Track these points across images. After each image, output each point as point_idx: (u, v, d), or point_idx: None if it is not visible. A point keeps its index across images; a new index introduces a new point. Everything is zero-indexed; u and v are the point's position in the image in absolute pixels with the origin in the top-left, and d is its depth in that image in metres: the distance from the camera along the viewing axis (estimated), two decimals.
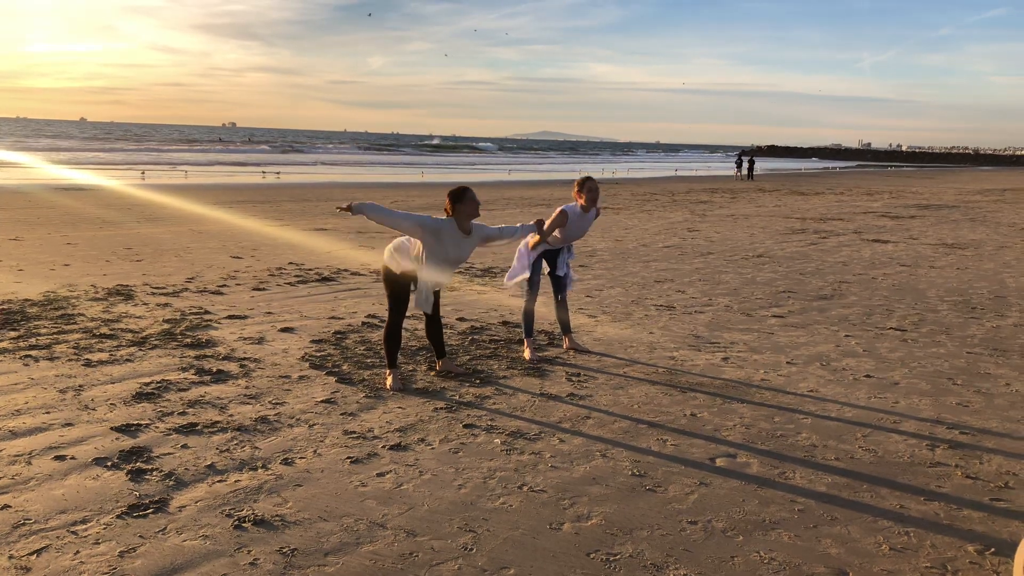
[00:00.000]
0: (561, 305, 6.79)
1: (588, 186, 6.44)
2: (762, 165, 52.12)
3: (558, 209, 6.40)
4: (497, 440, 4.64)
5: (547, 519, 3.66)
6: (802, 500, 3.91)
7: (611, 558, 3.31)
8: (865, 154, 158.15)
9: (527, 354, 6.44)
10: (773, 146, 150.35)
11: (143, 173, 32.90)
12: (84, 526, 3.49)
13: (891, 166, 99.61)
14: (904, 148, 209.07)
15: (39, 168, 34.75)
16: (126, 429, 4.66)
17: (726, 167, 69.22)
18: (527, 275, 6.54)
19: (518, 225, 6.09)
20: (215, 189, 26.35)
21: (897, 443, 4.73)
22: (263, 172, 37.41)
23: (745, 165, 46.46)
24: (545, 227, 6.12)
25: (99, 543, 3.34)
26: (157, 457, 4.27)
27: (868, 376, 6.14)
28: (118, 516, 3.58)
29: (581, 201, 6.43)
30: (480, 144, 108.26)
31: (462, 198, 5.52)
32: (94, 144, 62.96)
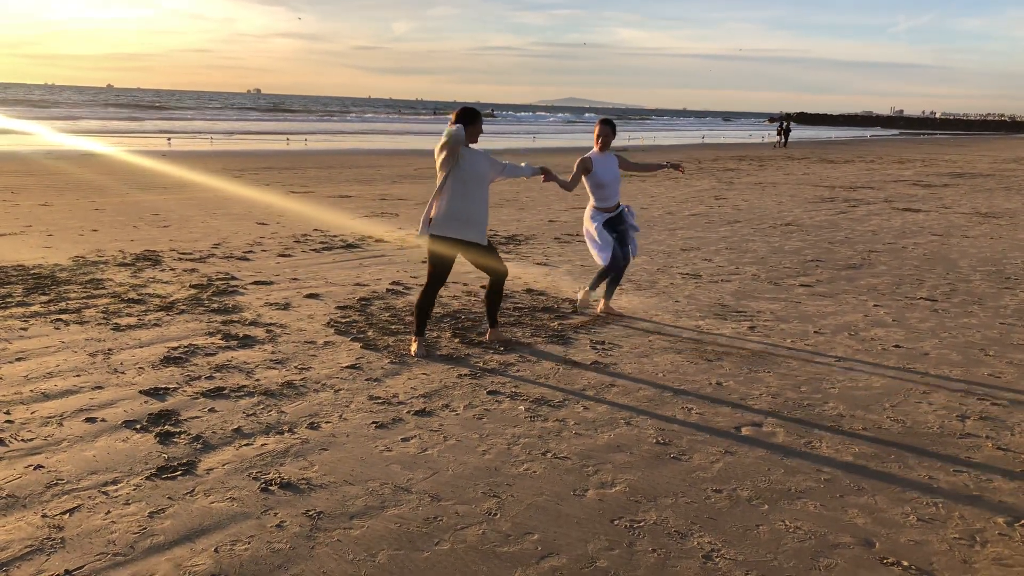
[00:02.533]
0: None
1: (598, 127, 6.66)
2: (793, 133, 51.23)
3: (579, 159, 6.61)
4: (521, 407, 4.64)
5: (571, 485, 3.66)
6: (828, 470, 3.88)
7: (635, 525, 3.31)
8: (897, 121, 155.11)
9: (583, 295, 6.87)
10: (803, 113, 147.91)
11: (169, 140, 33.07)
12: (115, 487, 3.54)
13: (924, 134, 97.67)
14: (938, 115, 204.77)
15: (67, 135, 35.05)
16: (154, 393, 4.72)
17: (755, 133, 68.23)
18: (608, 253, 6.54)
19: (523, 164, 6.01)
20: (240, 156, 26.45)
21: (926, 413, 4.67)
22: (287, 139, 37.45)
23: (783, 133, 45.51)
24: (570, 179, 6.49)
25: (129, 503, 3.40)
26: (185, 420, 4.33)
27: (897, 346, 6.06)
28: (147, 478, 3.64)
29: (597, 144, 6.63)
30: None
31: (475, 120, 5.49)
32: (124, 111, 63.32)
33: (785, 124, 46.83)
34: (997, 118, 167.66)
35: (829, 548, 3.16)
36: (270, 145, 33.18)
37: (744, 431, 4.36)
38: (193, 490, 3.54)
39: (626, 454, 4.02)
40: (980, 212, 15.09)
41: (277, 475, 3.69)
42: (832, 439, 4.26)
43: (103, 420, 4.29)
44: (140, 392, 4.73)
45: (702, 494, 3.60)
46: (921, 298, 7.72)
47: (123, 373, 5.05)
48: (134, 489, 3.53)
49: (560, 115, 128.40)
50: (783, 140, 44.97)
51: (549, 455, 3.98)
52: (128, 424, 4.25)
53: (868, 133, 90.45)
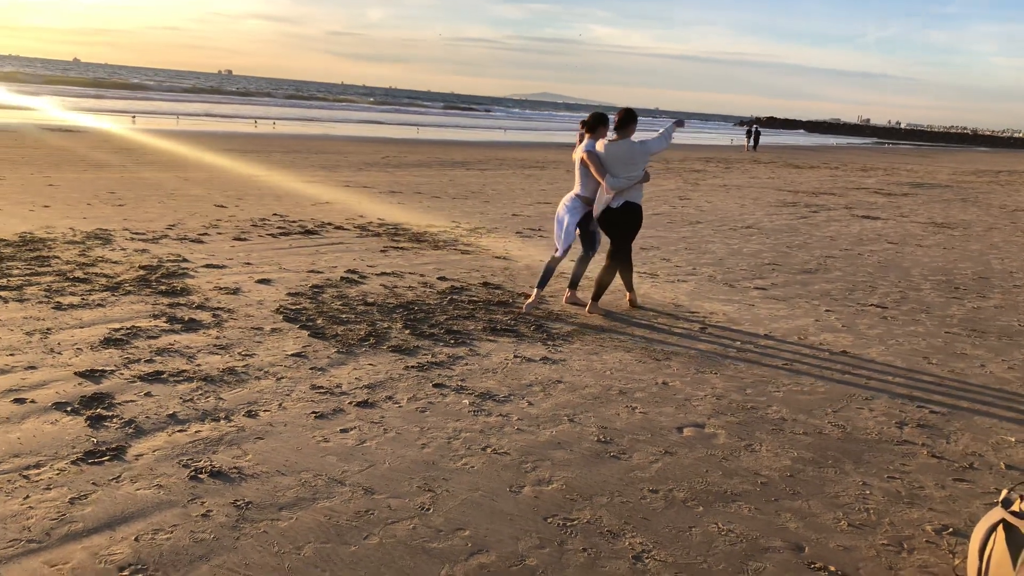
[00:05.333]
0: (584, 261, 6.85)
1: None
2: (762, 138, 51.73)
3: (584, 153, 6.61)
4: (466, 401, 4.60)
5: (508, 482, 3.63)
6: (766, 473, 3.89)
7: (568, 523, 3.29)
8: (864, 130, 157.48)
9: (531, 298, 6.80)
10: (772, 117, 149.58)
11: (134, 118, 32.43)
12: (37, 471, 3.44)
13: (889, 143, 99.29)
14: (903, 125, 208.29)
15: (29, 107, 34.22)
16: (90, 375, 4.60)
17: (723, 136, 68.79)
18: (570, 242, 6.68)
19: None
20: (205, 136, 26.03)
21: (867, 419, 4.72)
22: (255, 122, 36.94)
23: (751, 137, 45.91)
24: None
25: (50, 488, 3.30)
26: (119, 404, 4.22)
27: (844, 352, 6.12)
28: (73, 462, 3.54)
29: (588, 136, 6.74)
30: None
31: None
32: (90, 89, 61.93)
33: (754, 128, 47.30)
34: (960, 131, 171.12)
35: (759, 552, 3.17)
36: (237, 127, 32.70)
37: (686, 432, 4.37)
38: (119, 476, 3.44)
39: (566, 451, 4.00)
40: (936, 222, 15.34)
41: (208, 463, 3.61)
42: (773, 442, 4.29)
43: (32, 401, 4.17)
44: (75, 373, 4.60)
45: (638, 494, 3.59)
46: (872, 305, 7.82)
47: (59, 354, 4.91)
48: (57, 474, 3.43)
49: (576, 113, 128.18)
50: (751, 144, 45.38)
51: (489, 450, 3.95)
52: (58, 406, 4.13)
53: (834, 140, 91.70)
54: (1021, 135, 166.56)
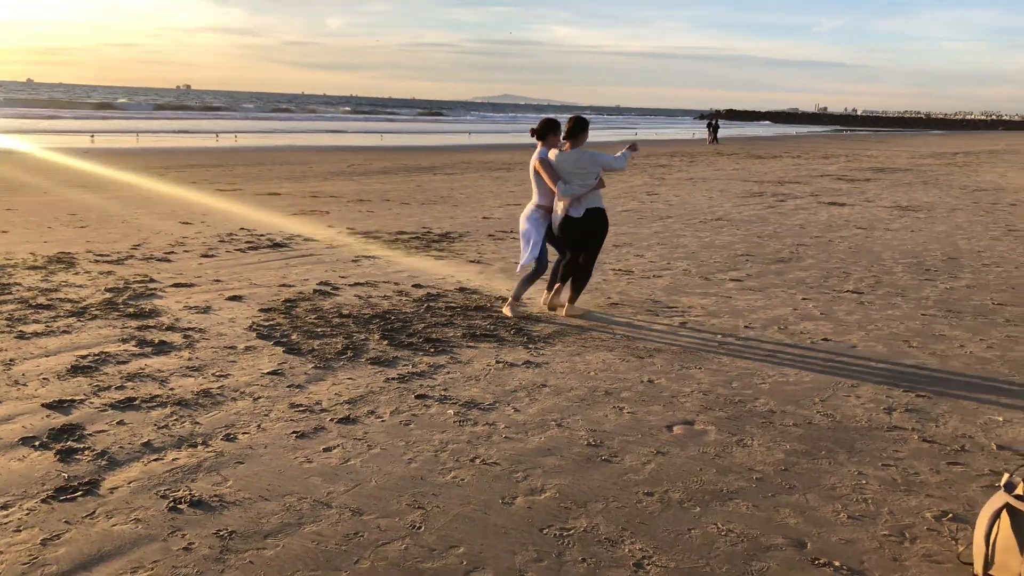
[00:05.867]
0: (532, 278, 6.66)
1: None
2: (722, 131, 52.09)
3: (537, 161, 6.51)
4: (450, 411, 4.49)
5: (499, 493, 3.53)
6: (760, 468, 3.83)
7: (564, 533, 3.20)
8: (822, 118, 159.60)
9: (508, 311, 6.60)
10: (732, 110, 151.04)
11: (92, 137, 31.82)
12: (4, 512, 3.27)
13: (847, 130, 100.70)
14: (859, 112, 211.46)
15: None
16: (58, 405, 4.42)
17: (685, 130, 69.29)
18: (535, 256, 6.54)
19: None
20: (166, 153, 25.61)
21: (855, 407, 4.69)
22: (216, 136, 36.45)
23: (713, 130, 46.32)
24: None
25: (20, 530, 3.14)
26: (90, 435, 4.05)
27: (826, 339, 6.11)
28: (43, 500, 3.37)
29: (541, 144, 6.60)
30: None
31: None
32: (44, 109, 60.75)
33: (714, 121, 47.74)
34: (914, 115, 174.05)
35: (761, 551, 3.10)
36: (199, 142, 32.24)
37: (676, 430, 4.30)
38: (94, 512, 3.29)
39: (556, 458, 3.91)
40: (900, 206, 15.51)
41: (187, 492, 3.47)
42: (763, 436, 4.23)
43: None
44: (42, 405, 4.42)
45: (633, 498, 3.51)
46: (848, 291, 7.84)
47: (24, 385, 4.73)
48: (27, 514, 3.26)
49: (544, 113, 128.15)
50: (713, 137, 45.75)
51: (478, 461, 3.85)
52: (26, 441, 3.95)
53: (794, 130, 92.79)
54: (972, 117, 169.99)
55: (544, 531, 3.22)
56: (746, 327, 6.43)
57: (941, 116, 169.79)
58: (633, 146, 6.80)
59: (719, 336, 6.08)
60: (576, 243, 6.48)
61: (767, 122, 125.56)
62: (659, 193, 16.99)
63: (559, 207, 6.41)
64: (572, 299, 6.63)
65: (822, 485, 3.67)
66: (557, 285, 6.67)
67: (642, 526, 3.27)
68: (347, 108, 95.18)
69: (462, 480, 3.64)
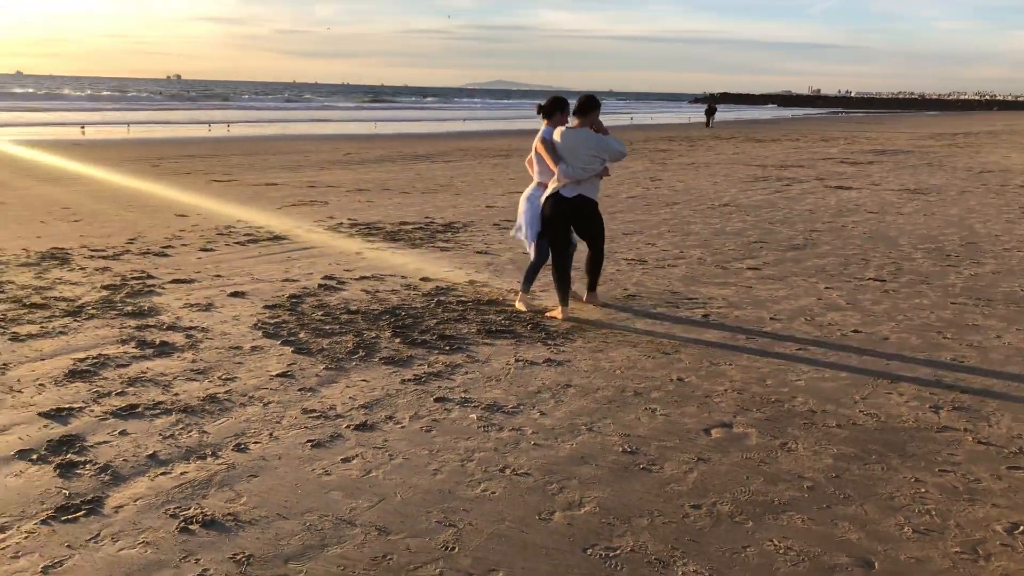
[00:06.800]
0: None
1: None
2: (718, 114, 51.68)
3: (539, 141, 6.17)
4: (473, 415, 4.23)
5: (535, 508, 3.28)
6: (810, 475, 3.59)
7: (611, 554, 2.95)
8: (816, 100, 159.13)
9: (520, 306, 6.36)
10: (726, 93, 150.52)
11: (83, 128, 31.35)
12: (2, 535, 3.01)
13: (842, 112, 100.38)
14: (853, 94, 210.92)
15: None
16: (56, 415, 4.15)
17: (681, 115, 68.91)
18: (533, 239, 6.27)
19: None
20: (159, 144, 25.23)
21: (898, 405, 4.44)
22: (209, 126, 36.00)
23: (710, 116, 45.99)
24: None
25: (19, 557, 2.88)
26: (91, 447, 3.79)
27: (856, 331, 5.86)
28: (43, 521, 3.11)
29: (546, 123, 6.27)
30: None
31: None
32: (33, 101, 59.99)
33: (712, 105, 47.45)
34: (908, 96, 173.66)
35: (826, 572, 2.85)
36: (191, 132, 31.80)
37: (714, 433, 4.05)
38: (98, 535, 3.03)
39: (592, 466, 3.66)
40: (909, 189, 15.26)
41: (199, 510, 3.21)
42: (808, 438, 3.99)
43: None
44: (39, 414, 4.15)
45: (679, 512, 3.26)
46: (870, 279, 7.59)
47: (20, 392, 4.45)
48: (26, 537, 3.00)
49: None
50: (708, 122, 45.42)
51: (508, 471, 3.60)
52: (22, 455, 3.69)
53: (789, 113, 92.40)
54: (967, 97, 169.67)
55: (588, 551, 2.97)
56: (772, 319, 6.18)
57: (935, 97, 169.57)
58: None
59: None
60: (563, 230, 6.07)
61: (773, 105, 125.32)
62: (662, 179, 16.71)
63: (551, 188, 6.07)
64: (591, 286, 6.39)
65: (879, 494, 3.43)
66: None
67: (693, 544, 3.02)
68: (368, 97, 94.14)
69: (493, 494, 3.39)
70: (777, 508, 3.30)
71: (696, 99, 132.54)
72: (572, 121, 6.15)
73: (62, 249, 8.38)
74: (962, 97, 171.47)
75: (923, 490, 3.47)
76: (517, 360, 5.14)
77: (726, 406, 4.41)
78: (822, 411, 4.35)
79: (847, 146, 28.65)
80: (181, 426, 4.05)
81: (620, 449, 3.84)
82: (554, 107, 6.21)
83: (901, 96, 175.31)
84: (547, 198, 6.03)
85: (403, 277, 7.40)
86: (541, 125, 6.28)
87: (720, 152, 25.01)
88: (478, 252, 8.68)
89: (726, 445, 3.91)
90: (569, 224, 6.09)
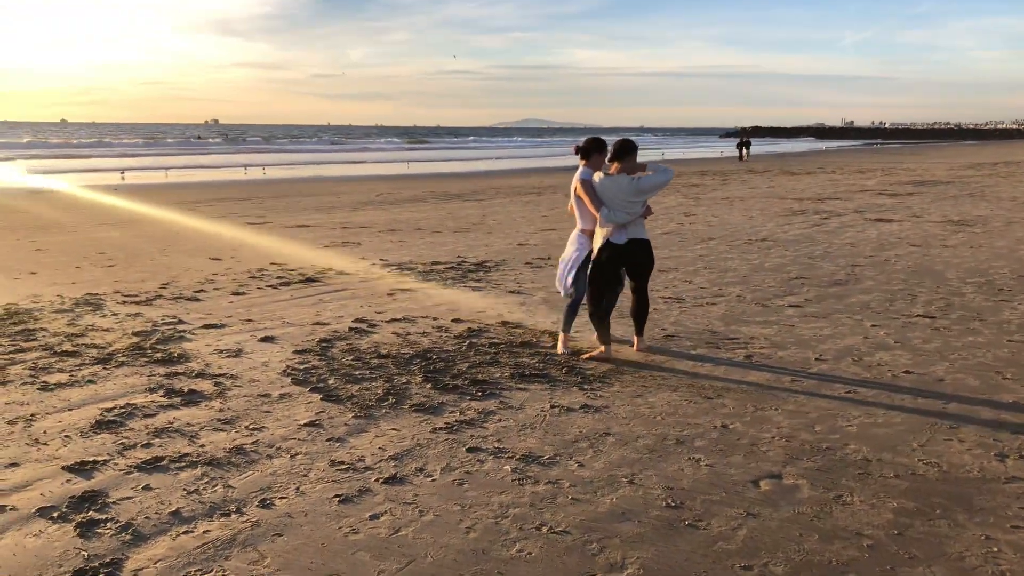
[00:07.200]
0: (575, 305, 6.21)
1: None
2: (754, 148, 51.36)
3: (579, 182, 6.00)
4: (507, 467, 4.05)
5: (575, 570, 3.08)
6: (869, 532, 3.34)
7: None
8: (849, 132, 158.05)
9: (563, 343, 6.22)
10: (758, 127, 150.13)
11: (123, 174, 32.03)
12: None
13: (877, 143, 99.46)
14: (887, 125, 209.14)
15: (14, 171, 33.83)
16: (80, 468, 4.05)
17: (712, 149, 68.70)
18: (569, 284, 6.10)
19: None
20: (195, 187, 25.61)
21: (960, 453, 4.17)
22: (245, 169, 36.59)
23: (743, 150, 45.70)
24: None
25: None
26: (114, 503, 3.67)
27: (908, 372, 5.59)
28: None
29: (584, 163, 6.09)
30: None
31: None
32: (77, 148, 61.65)
33: (744, 139, 47.16)
34: (944, 126, 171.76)
35: None
36: (227, 176, 32.32)
37: (763, 485, 3.82)
38: None
39: (634, 523, 3.45)
40: (952, 220, 14.87)
41: (222, 574, 3.06)
42: (864, 491, 3.74)
43: (13, 508, 3.62)
44: (63, 468, 4.06)
45: (730, 573, 3.04)
46: (918, 315, 7.30)
47: (45, 445, 4.37)
48: None
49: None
50: (741, 155, 45.10)
51: (545, 529, 3.40)
52: (43, 512, 3.58)
53: (823, 145, 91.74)
54: (1004, 126, 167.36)
55: None
56: (817, 359, 5.93)
57: (972, 126, 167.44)
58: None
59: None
60: (615, 274, 5.98)
61: (810, 138, 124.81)
62: (696, 214, 16.50)
63: (599, 234, 5.95)
64: (639, 332, 6.18)
65: (947, 554, 3.17)
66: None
67: None
68: (406, 139, 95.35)
69: (530, 554, 3.20)
70: (836, 570, 3.06)
71: (728, 133, 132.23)
72: (610, 167, 5.99)
73: (96, 295, 8.40)
74: (1000, 126, 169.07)
75: (996, 549, 3.21)
76: (553, 406, 4.95)
77: (774, 455, 4.18)
78: (877, 460, 4.10)
79: (884, 177, 28.19)
80: (206, 480, 3.92)
81: (663, 504, 3.63)
82: (592, 148, 6.06)
83: (937, 127, 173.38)
84: (600, 249, 5.89)
85: (434, 319, 7.27)
86: (579, 165, 6.11)
87: (754, 186, 24.72)
88: (510, 292, 8.54)
89: (776, 498, 3.68)
90: (621, 268, 5.94)
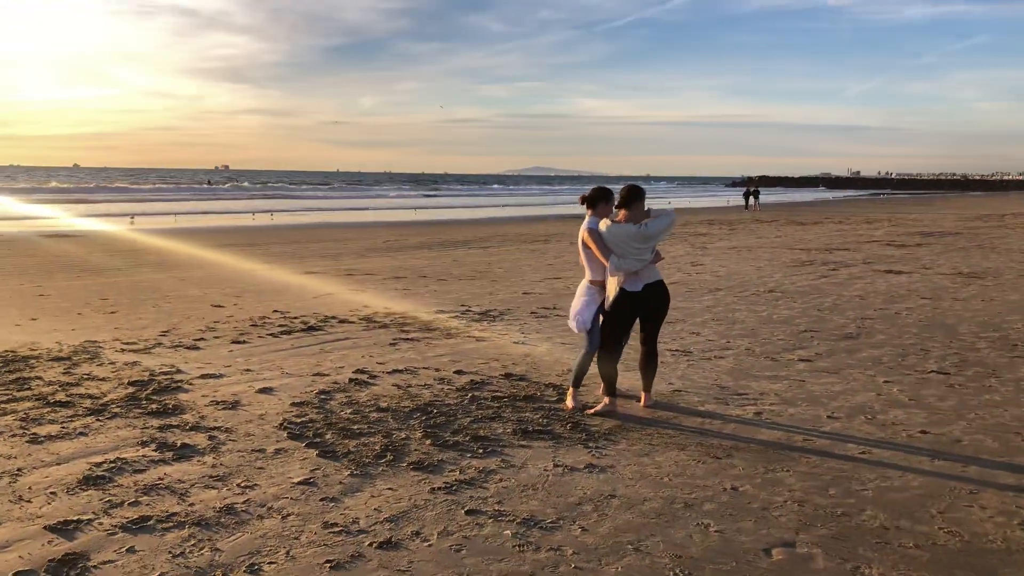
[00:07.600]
0: (588, 356, 6.05)
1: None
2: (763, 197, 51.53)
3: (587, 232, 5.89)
4: (507, 531, 3.87)
5: None
6: None
7: None
8: (855, 182, 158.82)
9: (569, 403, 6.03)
10: (764, 176, 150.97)
11: (132, 219, 32.21)
12: None
13: (883, 193, 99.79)
14: (893, 175, 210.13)
15: (25, 215, 34.07)
16: (63, 528, 3.89)
17: (718, 198, 68.95)
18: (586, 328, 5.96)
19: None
20: (203, 233, 25.69)
21: (982, 521, 3.98)
22: (253, 215, 36.79)
23: (751, 199, 45.85)
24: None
25: None
26: (94, 568, 3.50)
27: (924, 432, 5.41)
28: None
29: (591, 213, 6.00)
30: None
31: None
32: (88, 192, 62.25)
33: (752, 189, 47.31)
34: (949, 177, 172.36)
35: None
36: (235, 221, 32.47)
37: (775, 554, 3.64)
38: None
39: None
40: (962, 272, 14.73)
41: None
42: (883, 561, 3.55)
43: None
44: (45, 528, 3.90)
45: None
46: (932, 371, 7.12)
47: (29, 502, 4.21)
48: None
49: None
50: (747, 204, 45.22)
51: None
52: None
53: (830, 195, 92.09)
54: (1011, 177, 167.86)
55: None
56: (829, 417, 5.75)
57: (979, 177, 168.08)
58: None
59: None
60: (632, 322, 5.90)
61: (822, 188, 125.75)
62: (704, 263, 16.40)
63: (612, 283, 5.84)
64: (647, 387, 6.03)
65: None
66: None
67: None
68: (414, 186, 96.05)
69: None
70: None
71: (734, 183, 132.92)
72: (617, 215, 5.90)
73: (94, 342, 8.29)
74: (1006, 177, 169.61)
75: None
76: (556, 465, 4.78)
77: (787, 521, 3.99)
78: (895, 527, 3.91)
79: (892, 228, 28.14)
80: (193, 542, 3.75)
81: (671, 574, 3.44)
82: (598, 197, 5.97)
83: (943, 177, 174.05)
84: (616, 301, 5.79)
85: (436, 370, 7.13)
86: (586, 215, 6.01)
87: (762, 235, 24.68)
88: (515, 343, 8.40)
89: (790, 568, 3.49)
90: (636, 317, 5.84)
